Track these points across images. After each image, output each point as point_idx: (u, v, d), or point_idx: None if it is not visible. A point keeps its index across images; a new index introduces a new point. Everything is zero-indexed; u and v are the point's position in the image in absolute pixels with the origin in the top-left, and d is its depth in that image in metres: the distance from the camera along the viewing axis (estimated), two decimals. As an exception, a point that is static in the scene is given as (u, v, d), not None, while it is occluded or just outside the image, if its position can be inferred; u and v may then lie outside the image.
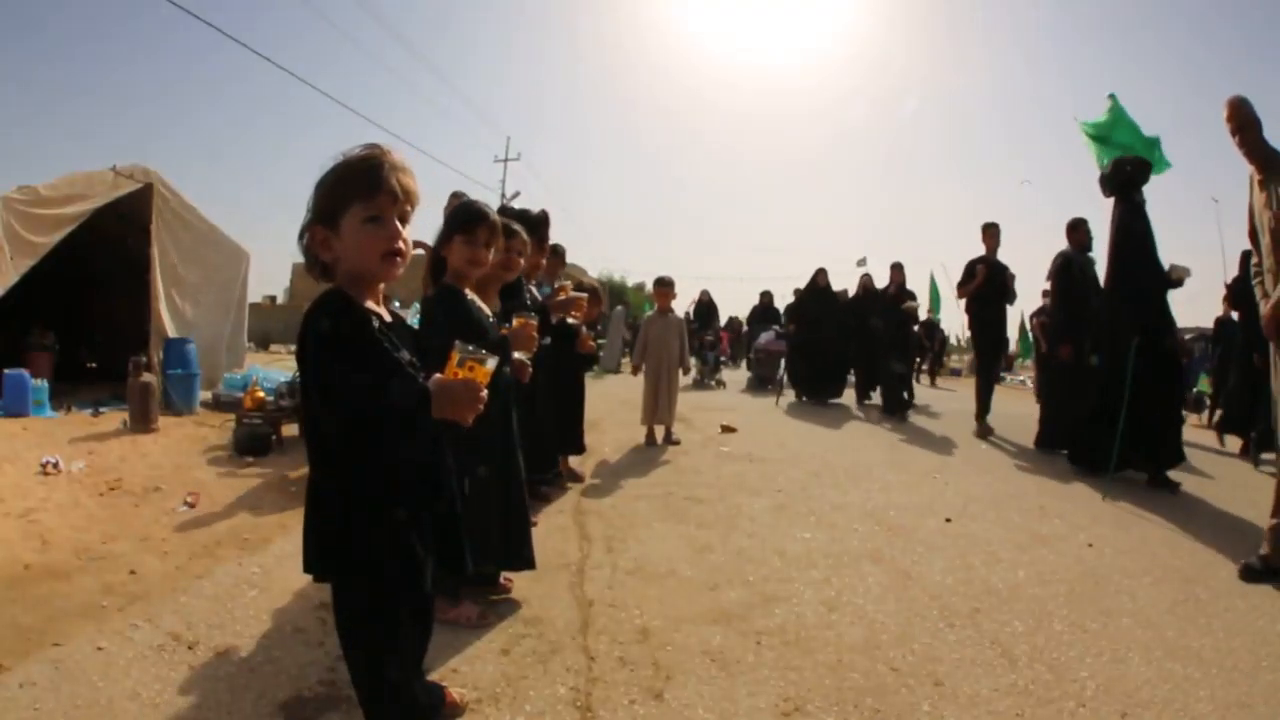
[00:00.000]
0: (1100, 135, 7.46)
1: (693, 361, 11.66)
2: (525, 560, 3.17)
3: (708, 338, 15.81)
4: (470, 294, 2.76)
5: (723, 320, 22.16)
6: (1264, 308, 3.89)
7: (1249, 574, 3.75)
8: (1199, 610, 3.36)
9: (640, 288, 40.34)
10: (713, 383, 14.91)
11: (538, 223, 4.35)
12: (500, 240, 2.86)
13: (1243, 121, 3.91)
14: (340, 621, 1.84)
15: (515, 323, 2.38)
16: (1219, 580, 3.77)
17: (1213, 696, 2.59)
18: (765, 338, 14.72)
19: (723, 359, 16.28)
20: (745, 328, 21.85)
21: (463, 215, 2.76)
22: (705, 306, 17.89)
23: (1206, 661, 2.86)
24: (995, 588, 3.57)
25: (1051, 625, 3.15)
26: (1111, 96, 7.70)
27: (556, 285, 4.51)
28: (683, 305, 25.71)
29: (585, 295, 4.32)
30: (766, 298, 17.21)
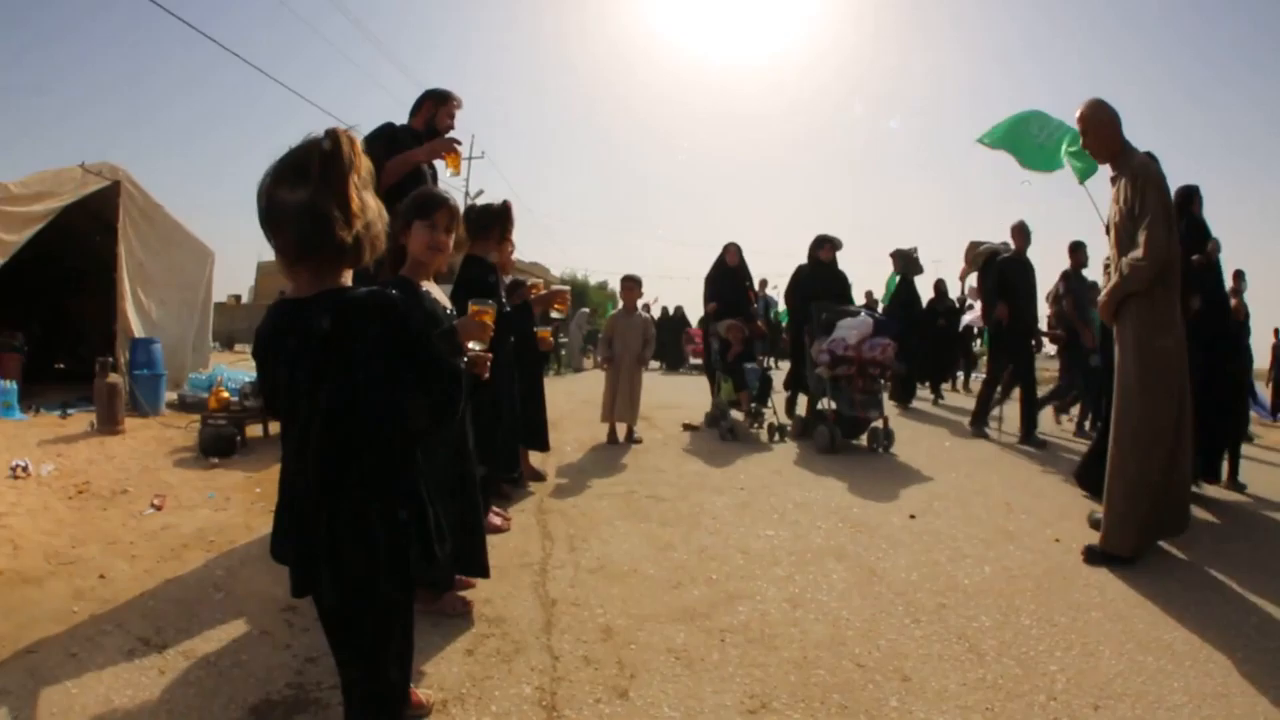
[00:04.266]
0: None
1: (670, 367, 9.32)
2: (481, 567, 3.17)
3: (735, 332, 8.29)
4: (426, 285, 2.72)
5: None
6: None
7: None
8: (1170, 603, 3.39)
9: (603, 286, 40.29)
10: (757, 427, 8.05)
11: (499, 214, 4.30)
12: (460, 227, 2.82)
13: (1087, 125, 4.12)
14: (372, 634, 1.76)
15: (470, 309, 2.34)
16: (1190, 574, 3.82)
17: (1187, 688, 2.62)
18: (850, 330, 7.19)
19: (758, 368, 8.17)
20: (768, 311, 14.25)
21: (421, 201, 2.71)
22: (730, 274, 8.88)
23: (1179, 654, 2.89)
24: (961, 583, 3.59)
25: (1019, 620, 3.17)
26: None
27: (530, 283, 4.46)
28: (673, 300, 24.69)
29: (568, 289, 4.28)
30: (825, 248, 8.57)
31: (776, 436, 7.72)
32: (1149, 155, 4.05)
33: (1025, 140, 7.71)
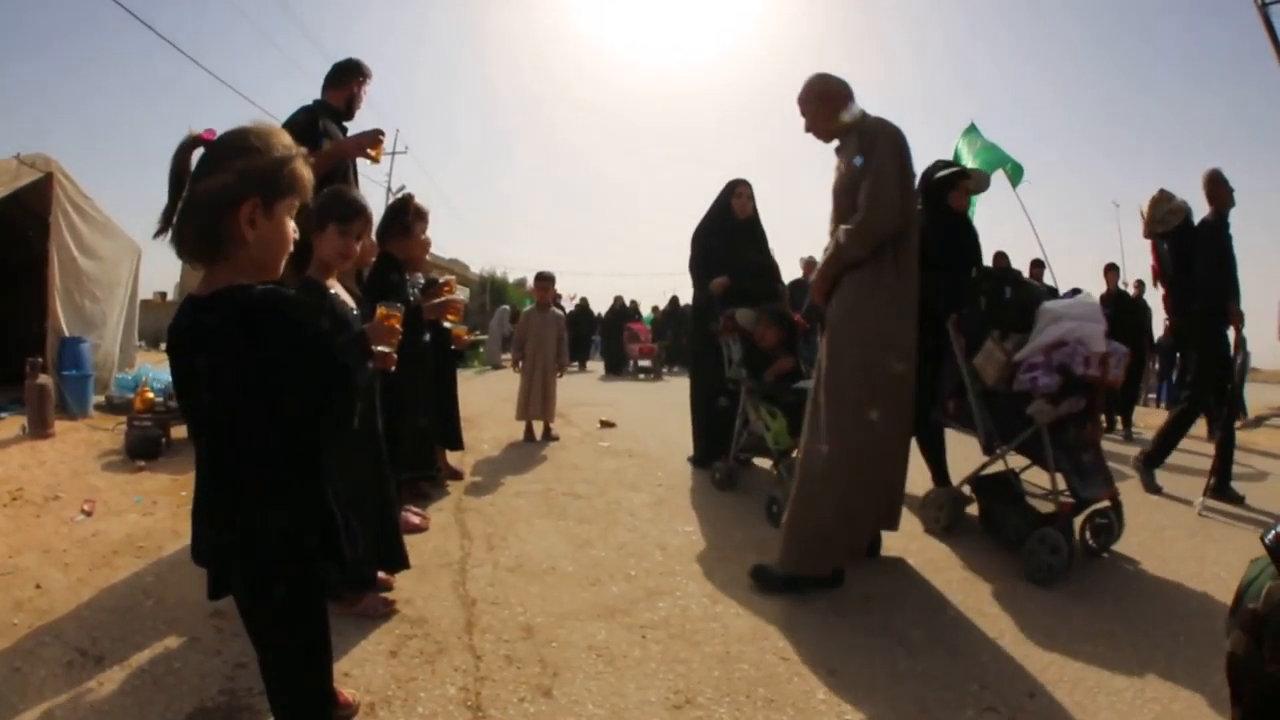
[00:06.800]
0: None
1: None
2: (400, 559, 3.19)
3: (767, 333, 5.10)
4: (334, 286, 2.70)
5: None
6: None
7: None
8: (1105, 594, 3.48)
9: (521, 284, 40.39)
10: None
11: (398, 209, 4.27)
12: (368, 234, 2.83)
13: (805, 109, 3.52)
14: (280, 634, 1.72)
15: (378, 313, 2.33)
16: (1124, 566, 3.92)
17: (1130, 673, 2.68)
18: (1088, 326, 3.67)
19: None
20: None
21: (340, 205, 2.70)
22: (740, 232, 5.63)
23: (1120, 641, 2.95)
24: (884, 576, 3.65)
25: (946, 611, 3.24)
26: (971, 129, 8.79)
27: (442, 281, 4.40)
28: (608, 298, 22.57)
29: (464, 300, 4.25)
30: (959, 188, 4.71)
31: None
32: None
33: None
